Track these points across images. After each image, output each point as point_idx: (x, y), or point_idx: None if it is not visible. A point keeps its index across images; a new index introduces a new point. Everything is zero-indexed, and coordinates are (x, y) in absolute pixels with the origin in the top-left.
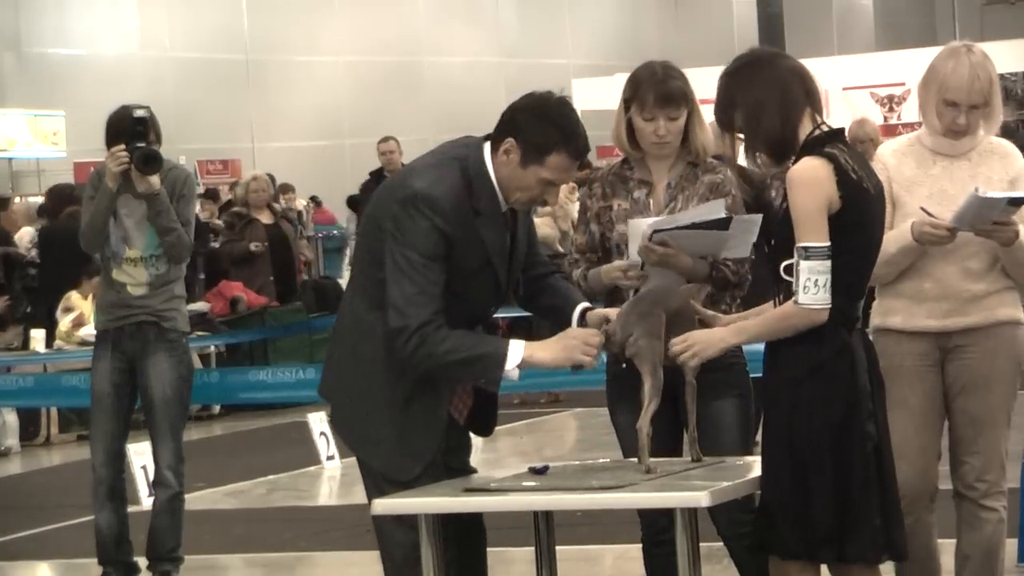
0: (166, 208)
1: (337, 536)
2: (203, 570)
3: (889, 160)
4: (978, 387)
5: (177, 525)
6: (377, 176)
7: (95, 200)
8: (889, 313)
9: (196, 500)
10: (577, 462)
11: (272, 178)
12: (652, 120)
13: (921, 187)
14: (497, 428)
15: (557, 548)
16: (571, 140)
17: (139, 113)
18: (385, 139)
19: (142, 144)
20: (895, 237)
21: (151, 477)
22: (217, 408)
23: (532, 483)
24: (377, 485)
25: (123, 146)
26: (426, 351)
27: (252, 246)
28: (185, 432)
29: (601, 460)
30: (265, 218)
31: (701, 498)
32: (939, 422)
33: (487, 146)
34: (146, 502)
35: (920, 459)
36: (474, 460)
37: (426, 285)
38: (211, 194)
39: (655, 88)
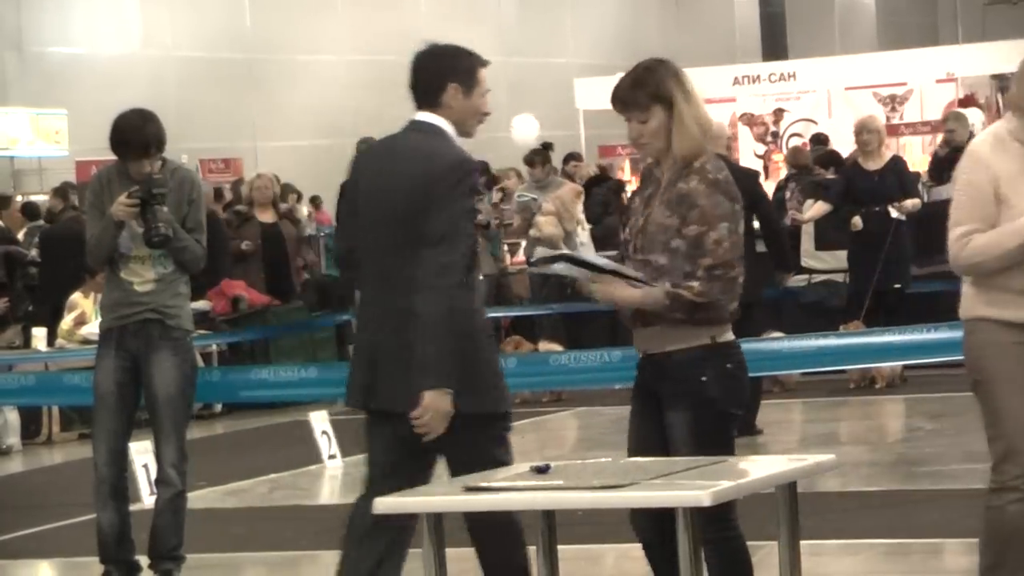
0: (174, 248)
1: (338, 535)
2: (205, 569)
3: (990, 158)
4: None
5: (179, 524)
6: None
7: (101, 228)
8: (991, 305)
9: (198, 499)
10: (579, 461)
11: (277, 177)
12: (628, 123)
13: None
14: None
15: (559, 547)
16: (474, 54)
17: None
18: (364, 140)
19: (157, 226)
20: (1012, 231)
21: (153, 475)
22: (219, 407)
23: (533, 482)
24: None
25: (136, 200)
26: None
27: (243, 245)
28: (187, 431)
29: (603, 459)
30: (267, 216)
31: (703, 497)
32: None
33: (424, 114)
34: (148, 501)
35: None
36: None
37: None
38: (215, 193)
39: (614, 93)
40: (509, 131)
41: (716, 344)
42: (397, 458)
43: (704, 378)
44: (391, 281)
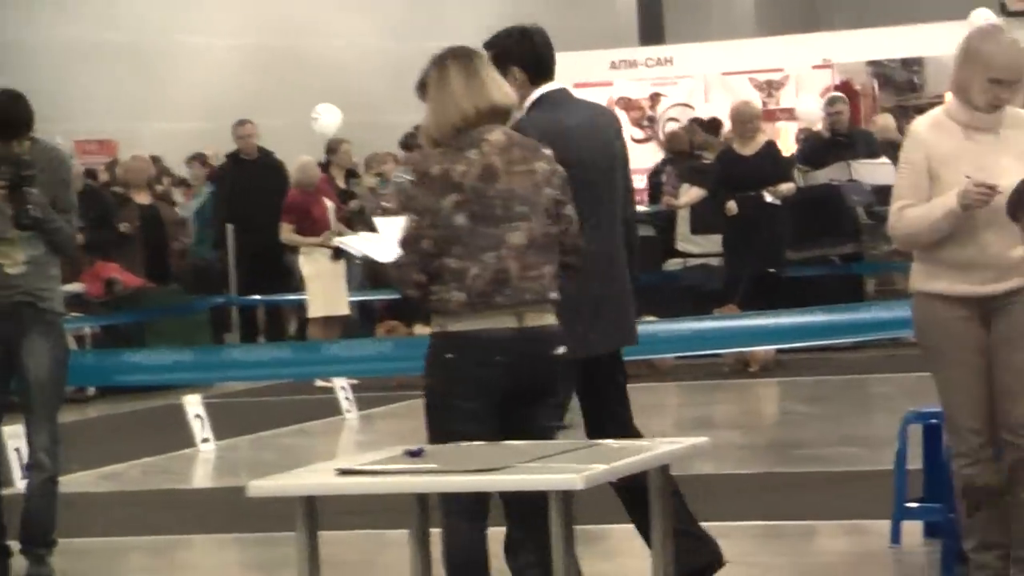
0: (46, 229)
1: (213, 519)
2: (78, 554)
3: (927, 137)
4: (1020, 340)
5: (52, 508)
6: (235, 159)
7: None
8: (933, 278)
9: (71, 483)
10: (453, 444)
11: (155, 159)
12: None
13: (959, 160)
14: (375, 410)
15: (432, 530)
16: None
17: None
18: (241, 122)
19: (27, 208)
20: (940, 204)
21: (25, 460)
22: (92, 390)
23: (407, 465)
24: None
25: (5, 182)
26: None
27: (121, 227)
28: (59, 414)
29: (476, 443)
30: (143, 198)
31: (576, 480)
32: (989, 373)
33: (557, 83)
34: (20, 485)
35: (984, 409)
36: (350, 442)
37: None
38: (90, 174)
39: None
40: (384, 116)
41: (444, 333)
42: None
43: (424, 362)
44: (613, 234)
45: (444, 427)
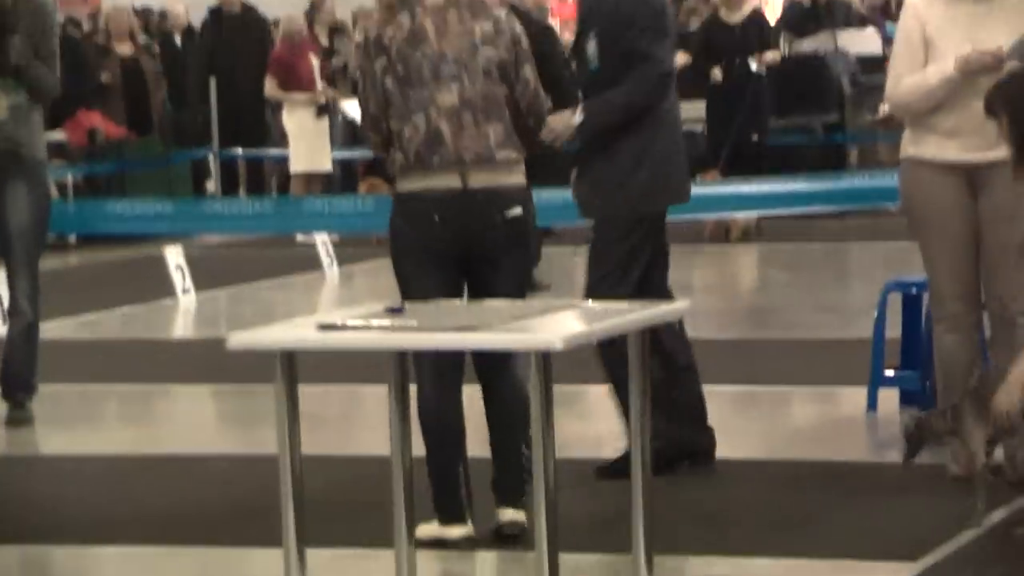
0: (27, 76)
1: (191, 369)
2: (57, 399)
3: (921, 7)
4: (1009, 217)
5: (32, 354)
6: (215, 13)
7: None
8: (921, 144)
9: (51, 330)
10: (433, 303)
11: (136, 10)
12: None
13: (953, 29)
14: (355, 267)
15: (411, 387)
16: None
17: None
18: None
19: (9, 55)
20: (935, 71)
21: (6, 306)
22: (73, 238)
23: (387, 322)
24: None
25: None
26: None
27: (102, 77)
28: (40, 262)
29: (456, 302)
30: (125, 49)
31: (555, 341)
32: (976, 246)
33: None
34: (0, 331)
35: (967, 277)
36: (330, 297)
37: None
38: (72, 23)
39: None
40: None
41: (395, 192)
42: None
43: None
44: None
45: (403, 284)
